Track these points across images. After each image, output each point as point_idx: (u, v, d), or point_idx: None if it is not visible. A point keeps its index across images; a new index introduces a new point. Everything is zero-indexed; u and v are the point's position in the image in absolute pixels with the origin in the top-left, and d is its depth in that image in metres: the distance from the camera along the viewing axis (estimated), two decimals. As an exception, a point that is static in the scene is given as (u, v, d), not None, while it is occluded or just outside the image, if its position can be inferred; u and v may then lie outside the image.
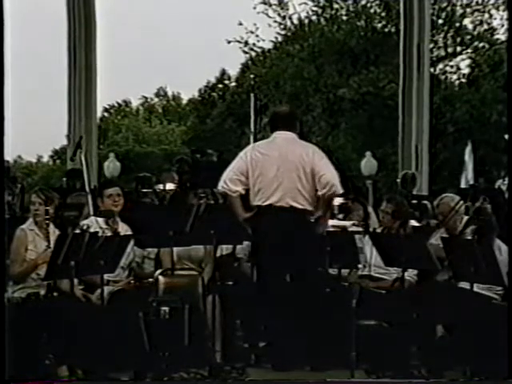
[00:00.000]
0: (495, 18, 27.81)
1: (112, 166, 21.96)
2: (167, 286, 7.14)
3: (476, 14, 28.20)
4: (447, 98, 26.97)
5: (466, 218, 7.63)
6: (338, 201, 7.82)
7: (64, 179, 14.23)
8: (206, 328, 7.06)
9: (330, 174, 7.14)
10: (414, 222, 7.81)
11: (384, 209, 7.86)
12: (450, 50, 28.59)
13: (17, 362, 6.10)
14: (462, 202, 7.65)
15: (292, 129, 7.36)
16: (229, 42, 29.67)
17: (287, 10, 29.51)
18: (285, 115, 7.51)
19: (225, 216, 7.17)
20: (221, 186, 7.30)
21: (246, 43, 30.18)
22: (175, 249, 7.32)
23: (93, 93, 17.25)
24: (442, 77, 28.58)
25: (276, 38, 30.29)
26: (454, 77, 29.12)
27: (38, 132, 45.45)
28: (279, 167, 7.14)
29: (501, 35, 27.34)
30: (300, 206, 7.12)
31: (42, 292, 6.76)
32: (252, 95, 20.04)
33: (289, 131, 7.33)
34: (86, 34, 17.00)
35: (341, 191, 7.24)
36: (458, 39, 28.53)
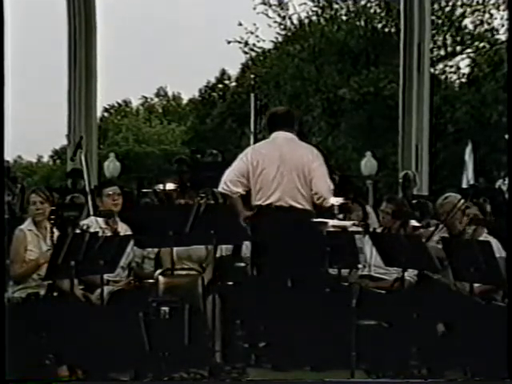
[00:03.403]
0: (495, 18, 27.82)
1: (112, 166, 21.94)
2: (167, 286, 7.15)
3: (476, 13, 28.19)
4: (447, 97, 26.96)
5: (467, 217, 7.61)
6: (337, 201, 7.81)
7: (67, 179, 14.28)
8: (206, 328, 7.06)
9: (323, 184, 7.16)
10: (414, 222, 7.80)
11: (384, 209, 7.86)
12: (449, 49, 28.58)
13: (17, 361, 6.10)
14: (463, 201, 7.65)
15: (290, 129, 7.36)
16: (229, 42, 29.67)
17: (287, 10, 29.51)
18: (282, 115, 7.51)
19: (225, 216, 7.18)
20: (221, 187, 7.31)
21: (246, 43, 30.19)
22: (175, 248, 7.32)
23: (93, 93, 17.25)
24: (442, 77, 28.57)
25: (276, 38, 30.32)
26: (454, 77, 29.14)
27: (38, 132, 45.43)
28: (279, 167, 7.15)
29: (501, 35, 27.35)
30: (299, 206, 7.14)
31: (42, 292, 6.76)
32: (252, 95, 20.02)
33: (287, 131, 7.33)
34: (86, 34, 17.00)
35: (329, 204, 7.21)
36: (458, 39, 28.53)
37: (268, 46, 30.52)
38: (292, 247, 6.97)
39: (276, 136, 7.35)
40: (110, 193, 7.53)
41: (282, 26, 29.90)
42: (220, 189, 7.37)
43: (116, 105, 39.80)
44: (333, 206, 7.35)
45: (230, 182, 7.26)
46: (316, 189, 7.14)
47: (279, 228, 7.03)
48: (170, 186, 10.52)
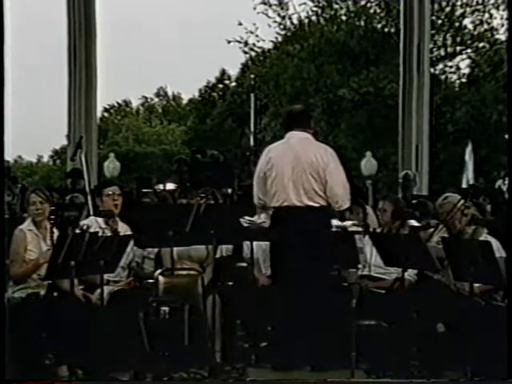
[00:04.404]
0: (495, 18, 27.83)
1: (112, 166, 21.96)
2: (167, 286, 7.14)
3: (476, 13, 28.20)
4: (447, 97, 26.96)
5: (467, 217, 7.60)
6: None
7: (67, 179, 14.30)
8: (206, 328, 7.06)
9: (339, 188, 7.11)
10: (414, 222, 7.80)
11: (381, 207, 7.87)
12: (450, 50, 28.58)
13: (17, 361, 6.10)
14: (463, 201, 7.65)
15: (306, 128, 7.29)
16: (229, 42, 29.69)
17: (287, 10, 29.53)
18: (299, 114, 7.43)
19: (225, 216, 7.17)
20: (256, 201, 7.30)
21: (246, 43, 30.22)
22: (175, 248, 7.32)
23: (93, 93, 17.27)
24: (442, 77, 28.57)
25: (276, 38, 30.34)
26: (454, 77, 29.13)
27: (38, 132, 45.44)
28: (294, 168, 7.08)
29: (501, 35, 27.36)
30: (317, 205, 7.10)
31: (42, 292, 6.75)
32: (252, 95, 20.10)
33: (303, 131, 7.27)
34: (86, 34, 17.01)
35: (346, 206, 7.23)
36: (458, 39, 28.53)
37: (268, 45, 30.60)
38: (310, 247, 6.95)
39: (290, 136, 7.28)
40: (110, 193, 7.53)
41: (282, 26, 29.94)
42: (256, 203, 7.35)
43: (116, 105, 39.84)
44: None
45: (262, 195, 7.24)
46: (332, 193, 7.08)
47: (298, 228, 7.00)
48: (169, 185, 10.54)
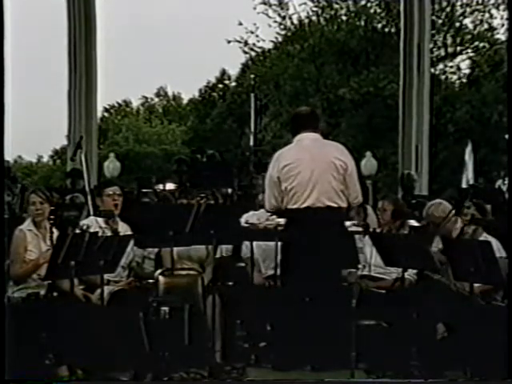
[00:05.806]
0: (495, 18, 27.85)
1: (112, 166, 21.92)
2: (167, 286, 7.14)
3: (476, 13, 28.21)
4: (447, 98, 26.97)
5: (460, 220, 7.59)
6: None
7: (67, 179, 14.31)
8: (206, 328, 7.06)
9: (357, 184, 7.21)
10: (414, 222, 7.80)
11: (381, 207, 7.88)
12: (450, 50, 28.60)
13: (17, 361, 6.10)
14: (449, 206, 7.64)
15: (315, 129, 7.29)
16: (229, 42, 29.72)
17: (287, 10, 29.55)
18: (307, 116, 7.42)
19: (225, 216, 7.17)
20: (269, 207, 7.28)
21: (246, 43, 30.25)
22: (175, 248, 7.32)
23: (93, 93, 17.27)
24: (442, 77, 28.58)
25: (276, 38, 30.37)
26: (454, 77, 29.15)
27: (38, 132, 45.47)
28: (313, 170, 7.08)
29: (501, 35, 27.38)
30: (336, 205, 7.11)
31: (42, 292, 6.75)
32: (252, 95, 20.10)
33: (312, 132, 7.26)
34: (86, 35, 17.02)
35: (362, 200, 7.39)
36: (458, 39, 28.54)
37: (268, 45, 30.63)
38: (329, 247, 6.94)
39: (301, 138, 7.25)
40: (111, 193, 7.53)
41: (282, 26, 29.97)
42: (268, 209, 7.32)
43: (116, 105, 39.89)
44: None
45: (275, 200, 7.21)
46: (353, 189, 7.18)
47: (317, 229, 6.98)
48: (170, 185, 10.53)
